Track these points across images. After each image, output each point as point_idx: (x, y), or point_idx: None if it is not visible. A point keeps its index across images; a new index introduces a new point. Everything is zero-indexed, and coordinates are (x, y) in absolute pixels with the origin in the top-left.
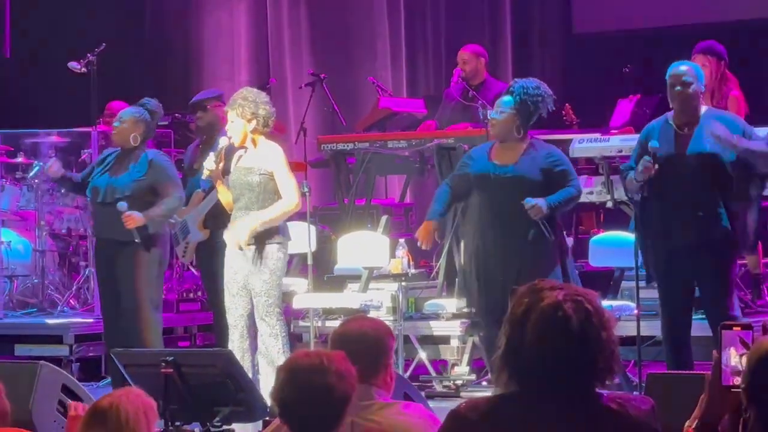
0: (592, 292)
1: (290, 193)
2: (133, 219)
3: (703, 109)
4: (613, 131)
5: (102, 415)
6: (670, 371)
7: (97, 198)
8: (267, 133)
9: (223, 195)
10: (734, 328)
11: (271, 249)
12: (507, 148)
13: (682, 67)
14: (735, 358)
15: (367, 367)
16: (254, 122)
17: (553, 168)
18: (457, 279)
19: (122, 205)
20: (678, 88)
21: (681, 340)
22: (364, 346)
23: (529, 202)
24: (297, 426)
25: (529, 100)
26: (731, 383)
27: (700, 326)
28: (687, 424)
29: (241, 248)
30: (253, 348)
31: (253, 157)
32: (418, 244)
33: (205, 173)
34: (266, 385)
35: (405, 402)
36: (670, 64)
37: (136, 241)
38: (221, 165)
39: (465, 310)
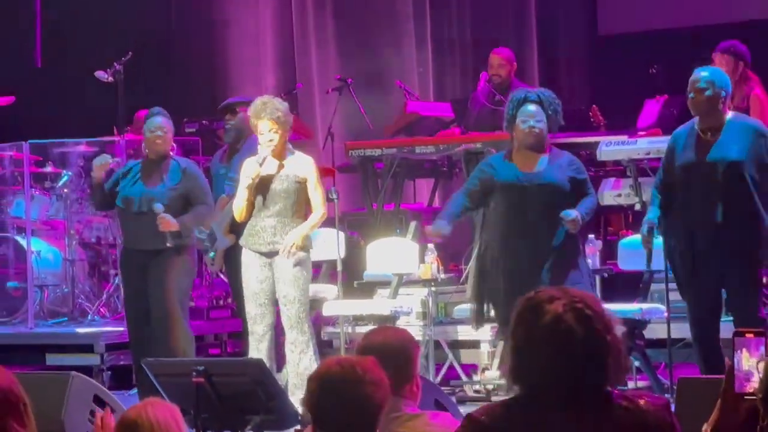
0: (590, 295)
1: (321, 203)
2: (167, 222)
3: (730, 114)
4: (640, 132)
5: (133, 426)
6: (701, 376)
7: (131, 208)
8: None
9: (244, 204)
10: (747, 335)
11: (301, 258)
12: (529, 156)
13: (700, 74)
14: (748, 363)
15: (393, 377)
16: (287, 131)
17: (577, 176)
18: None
19: (158, 207)
20: (692, 95)
21: (710, 344)
22: (390, 356)
23: (569, 214)
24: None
25: (557, 109)
26: (745, 390)
27: (730, 328)
28: (704, 427)
29: (286, 256)
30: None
31: (287, 165)
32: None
33: (248, 181)
34: (295, 393)
35: (433, 412)
36: (696, 65)
37: (169, 245)
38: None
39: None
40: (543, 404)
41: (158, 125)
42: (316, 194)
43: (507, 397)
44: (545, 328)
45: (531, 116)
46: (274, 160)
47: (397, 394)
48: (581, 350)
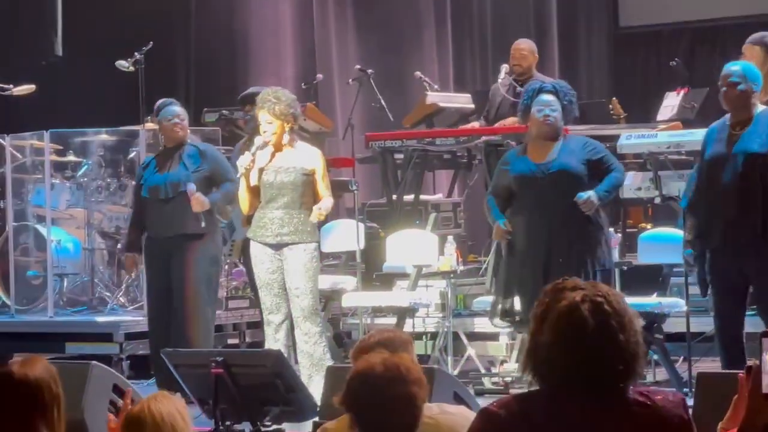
0: (617, 292)
1: (329, 193)
2: (200, 201)
3: (760, 108)
4: (660, 126)
5: (138, 422)
6: (720, 371)
7: (158, 195)
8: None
9: (246, 195)
10: None
11: (310, 248)
12: (544, 146)
13: (732, 68)
14: None
15: None
16: (291, 122)
17: (593, 157)
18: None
19: (191, 186)
20: (724, 88)
21: (734, 339)
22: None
23: (581, 196)
24: (372, 430)
25: (571, 99)
26: None
27: (753, 322)
28: (720, 425)
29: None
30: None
31: (294, 157)
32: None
33: (241, 170)
34: (310, 384)
35: (446, 405)
36: (718, 58)
37: (203, 225)
38: (252, 165)
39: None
40: (558, 398)
41: (175, 113)
42: (323, 185)
43: (523, 391)
44: (559, 314)
45: (546, 105)
46: (268, 151)
47: None
48: (589, 342)
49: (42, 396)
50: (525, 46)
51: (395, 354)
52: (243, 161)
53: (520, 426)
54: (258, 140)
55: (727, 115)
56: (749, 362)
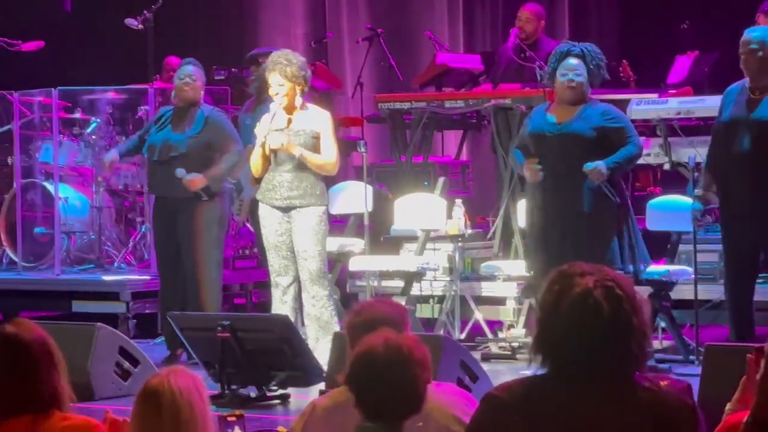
0: (624, 276)
1: (332, 154)
2: (194, 182)
3: None
4: (670, 90)
5: (155, 394)
6: (728, 343)
7: (153, 156)
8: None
9: (259, 161)
10: None
11: (318, 212)
12: (567, 109)
13: (752, 34)
14: None
15: None
16: (302, 84)
17: (609, 125)
18: (515, 241)
19: (180, 172)
20: (743, 56)
21: (743, 305)
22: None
23: (588, 166)
24: (374, 411)
25: (600, 64)
26: None
27: (764, 291)
28: (728, 407)
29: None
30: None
31: (304, 120)
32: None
33: (260, 140)
34: (316, 347)
35: (435, 382)
36: (729, 21)
37: (204, 199)
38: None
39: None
40: (563, 382)
41: (188, 73)
42: (328, 146)
43: (527, 375)
44: (573, 301)
45: (571, 69)
46: (284, 114)
47: None
48: (605, 327)
49: (51, 350)
50: (529, 10)
51: (399, 334)
52: (262, 129)
53: (524, 411)
54: (273, 106)
55: (747, 78)
56: (761, 345)
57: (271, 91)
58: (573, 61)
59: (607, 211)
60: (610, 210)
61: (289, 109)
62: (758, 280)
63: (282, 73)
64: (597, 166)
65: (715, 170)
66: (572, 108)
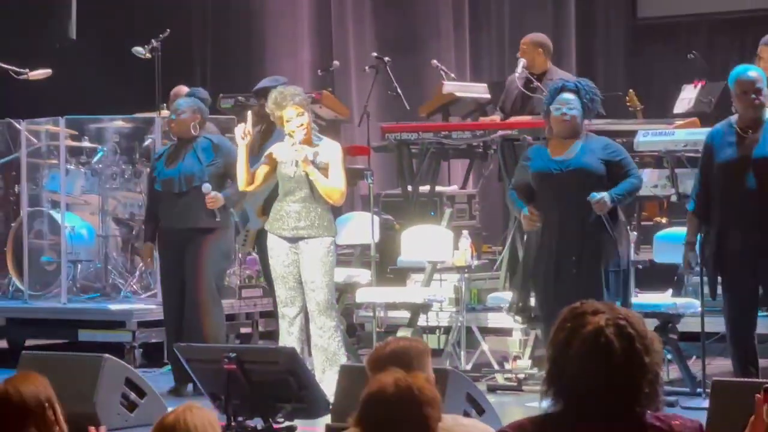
0: (635, 314)
1: (340, 183)
2: (217, 200)
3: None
4: (677, 122)
5: (171, 431)
6: (735, 379)
7: (172, 189)
8: None
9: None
10: None
11: (326, 242)
12: (563, 143)
13: (752, 74)
14: None
15: None
16: (311, 113)
17: (613, 159)
18: (514, 273)
19: (207, 187)
20: (752, 95)
21: (746, 343)
22: (407, 366)
23: (594, 196)
24: None
25: (594, 98)
26: None
27: (765, 324)
28: None
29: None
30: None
31: (317, 151)
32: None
33: (239, 142)
34: (323, 379)
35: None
36: (736, 50)
37: (217, 220)
38: (247, 135)
39: (518, 304)
40: (575, 420)
41: (174, 108)
42: (336, 176)
43: (539, 414)
44: (585, 339)
45: (564, 103)
46: (288, 143)
47: None
48: (618, 366)
49: (29, 408)
50: (526, 40)
51: (409, 372)
52: (239, 129)
53: None
54: (299, 136)
55: (732, 118)
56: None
57: (292, 124)
58: (567, 95)
59: (605, 244)
60: (608, 242)
61: (306, 139)
62: (760, 314)
63: (298, 103)
64: (602, 197)
65: (708, 211)
66: (569, 142)
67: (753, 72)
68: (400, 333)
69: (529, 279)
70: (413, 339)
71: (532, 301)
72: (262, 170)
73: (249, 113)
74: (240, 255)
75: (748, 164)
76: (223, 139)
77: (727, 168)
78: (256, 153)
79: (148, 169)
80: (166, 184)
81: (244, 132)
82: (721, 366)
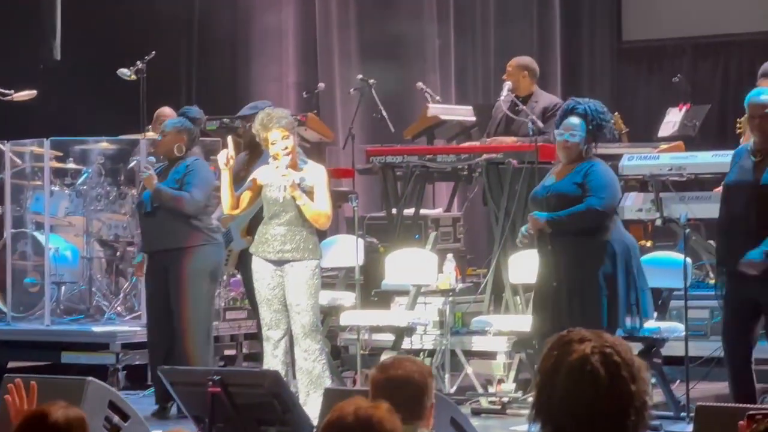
0: (623, 342)
1: (326, 206)
2: (150, 178)
3: None
4: (662, 145)
5: None
6: (719, 403)
7: (143, 210)
8: None
9: (227, 192)
10: None
11: (312, 265)
12: (566, 168)
13: (763, 97)
14: None
15: (414, 411)
16: (296, 136)
17: (585, 182)
18: (506, 295)
19: (152, 159)
20: (757, 120)
21: (743, 364)
22: (411, 391)
23: (533, 215)
24: None
25: (603, 125)
26: None
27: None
28: None
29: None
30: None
31: (301, 172)
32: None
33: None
34: (307, 402)
35: None
36: (721, 74)
37: (181, 244)
38: (230, 160)
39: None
40: None
41: (162, 128)
42: (321, 200)
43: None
44: (571, 367)
45: (568, 129)
46: (273, 166)
47: (417, 426)
48: (604, 394)
49: None
50: (512, 62)
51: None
52: (222, 156)
53: None
54: (284, 160)
55: (751, 141)
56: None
57: (277, 147)
58: (574, 120)
59: (596, 275)
60: (600, 274)
61: (292, 163)
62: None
63: (285, 126)
64: (536, 215)
65: (718, 229)
66: (572, 167)
67: (765, 96)
68: (385, 356)
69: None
70: (417, 365)
71: None
72: (246, 195)
73: (229, 139)
74: (224, 276)
75: (754, 188)
76: (196, 162)
77: (733, 189)
78: (242, 176)
79: (133, 191)
80: (139, 205)
81: (227, 159)
82: (704, 390)
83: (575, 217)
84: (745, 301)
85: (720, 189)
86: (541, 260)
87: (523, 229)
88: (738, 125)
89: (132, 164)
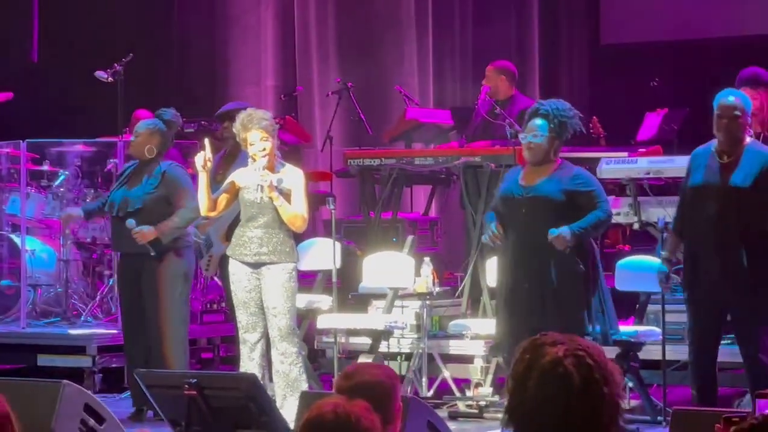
0: (595, 345)
1: (303, 209)
2: (143, 234)
3: (748, 140)
4: (640, 149)
5: None
6: (695, 407)
7: (112, 212)
8: None
9: (204, 194)
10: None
11: (288, 268)
12: (536, 170)
13: (732, 98)
14: None
15: (386, 414)
16: (276, 139)
17: (579, 189)
18: (483, 299)
19: (131, 223)
20: (725, 120)
21: (707, 367)
22: (380, 395)
23: (553, 232)
24: None
25: (565, 121)
26: None
27: (730, 352)
28: None
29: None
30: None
31: (279, 175)
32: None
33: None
34: (284, 405)
35: None
36: (699, 78)
37: (152, 254)
38: (208, 163)
39: (463, 332)
40: None
41: (135, 130)
42: (298, 203)
43: None
44: (543, 370)
45: (531, 130)
46: (251, 168)
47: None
48: (576, 397)
49: None
50: (491, 66)
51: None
52: (199, 158)
53: None
54: (261, 161)
55: (713, 142)
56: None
57: (255, 148)
58: (537, 121)
59: (573, 277)
60: (577, 276)
61: (269, 165)
62: (723, 341)
63: (265, 128)
64: (561, 233)
65: (683, 233)
66: (542, 169)
67: (734, 97)
68: (362, 359)
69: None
70: (382, 371)
71: None
72: (223, 197)
73: (206, 141)
74: (202, 280)
75: (716, 190)
76: (172, 167)
77: (699, 192)
78: (219, 179)
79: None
80: (110, 206)
81: (204, 161)
82: (681, 394)
83: (595, 227)
84: (712, 305)
85: None
86: (509, 261)
87: (492, 227)
88: (590, 128)
89: (109, 166)
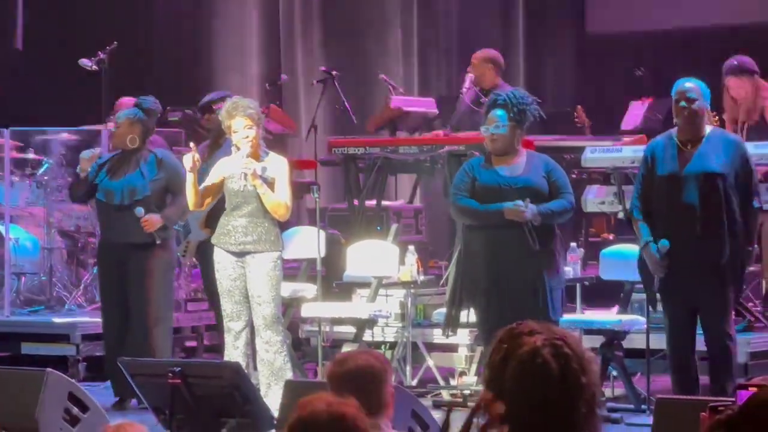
0: (572, 334)
1: (286, 197)
2: (152, 222)
3: (708, 128)
4: (625, 137)
5: None
6: (678, 396)
7: (113, 200)
8: None
9: (191, 191)
10: (750, 389)
11: (273, 257)
12: (506, 159)
13: (687, 84)
14: None
15: (378, 400)
16: (261, 127)
17: (551, 177)
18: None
19: (139, 211)
20: (682, 103)
21: (685, 358)
22: (373, 380)
23: (518, 203)
24: None
25: (524, 109)
26: None
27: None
28: None
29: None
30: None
31: (263, 163)
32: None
33: (187, 167)
34: (268, 394)
35: None
36: (684, 67)
37: (158, 242)
38: (198, 162)
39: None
40: None
41: (116, 119)
42: (282, 191)
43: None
44: (521, 360)
45: (492, 121)
46: (236, 157)
47: (379, 418)
48: (554, 386)
49: None
50: (476, 55)
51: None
52: (188, 159)
53: None
54: (244, 149)
55: (672, 131)
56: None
57: (239, 135)
58: (497, 112)
59: (531, 257)
60: (534, 256)
61: (254, 153)
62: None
63: (250, 116)
64: (523, 204)
65: (657, 223)
66: (508, 158)
67: (689, 83)
68: (346, 348)
69: (468, 295)
70: (374, 356)
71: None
72: (209, 192)
73: (192, 145)
74: (186, 268)
75: (684, 179)
76: (168, 155)
77: (668, 182)
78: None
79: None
80: (109, 195)
81: (193, 162)
82: (665, 383)
83: (557, 213)
84: (686, 294)
85: None
86: (481, 251)
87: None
88: (575, 116)
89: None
